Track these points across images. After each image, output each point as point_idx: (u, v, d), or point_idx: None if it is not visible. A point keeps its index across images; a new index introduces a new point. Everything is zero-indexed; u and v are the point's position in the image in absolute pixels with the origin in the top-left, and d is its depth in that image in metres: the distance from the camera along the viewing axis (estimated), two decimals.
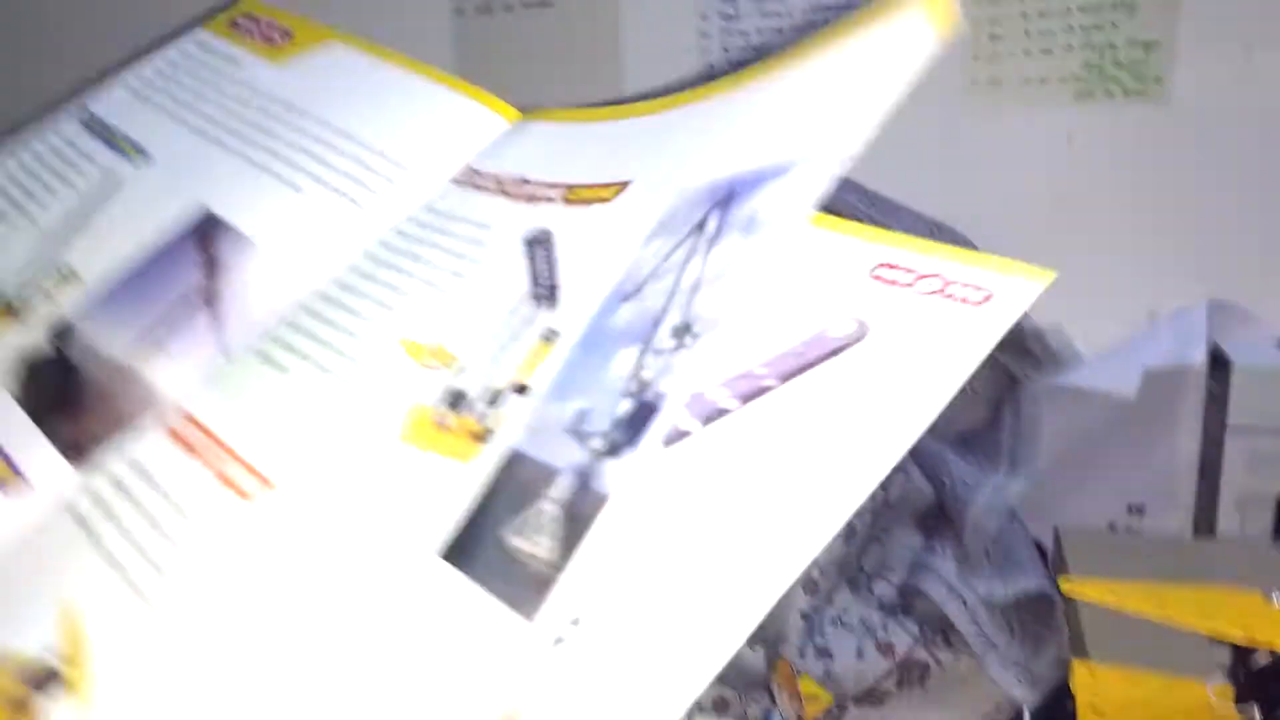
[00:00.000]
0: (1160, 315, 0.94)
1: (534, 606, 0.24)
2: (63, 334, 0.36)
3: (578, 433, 0.26)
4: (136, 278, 0.37)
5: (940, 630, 0.84)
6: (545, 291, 0.33)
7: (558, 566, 0.24)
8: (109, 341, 0.35)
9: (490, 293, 0.34)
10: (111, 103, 0.46)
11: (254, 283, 0.36)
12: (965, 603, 0.89)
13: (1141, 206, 0.88)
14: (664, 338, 0.27)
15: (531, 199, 0.38)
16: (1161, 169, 0.86)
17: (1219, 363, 0.91)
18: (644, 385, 0.26)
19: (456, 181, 0.40)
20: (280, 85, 0.44)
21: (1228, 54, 0.79)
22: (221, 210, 0.38)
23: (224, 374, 0.33)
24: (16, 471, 0.32)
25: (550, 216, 0.36)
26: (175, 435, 0.33)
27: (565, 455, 0.25)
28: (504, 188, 0.38)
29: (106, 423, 0.33)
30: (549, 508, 0.25)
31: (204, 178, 0.40)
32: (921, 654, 0.83)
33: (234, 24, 0.47)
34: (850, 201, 1.21)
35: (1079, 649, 0.67)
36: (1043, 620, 0.95)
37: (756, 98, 0.35)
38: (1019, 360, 1.17)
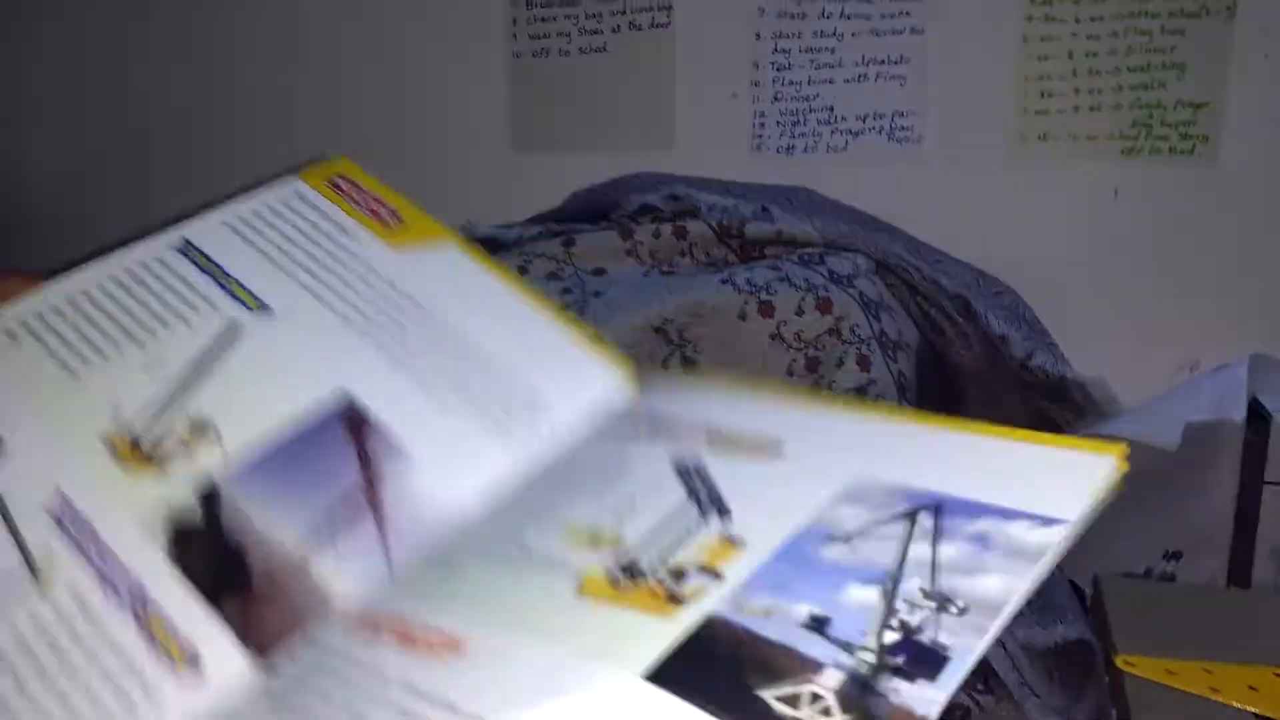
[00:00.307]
0: (1202, 367, 0.96)
1: None
2: (210, 498, 0.38)
3: (825, 635, 0.30)
4: (282, 453, 0.39)
5: (981, 675, 0.86)
6: (712, 504, 0.37)
7: None
8: (262, 518, 0.37)
9: (648, 500, 0.37)
10: (211, 236, 0.46)
11: (415, 501, 0.38)
12: (1005, 648, 0.92)
13: (1184, 261, 0.90)
14: (915, 594, 0.31)
15: (670, 436, 0.40)
16: (1205, 225, 0.87)
17: (1259, 416, 0.93)
18: (910, 629, 0.30)
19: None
20: (403, 278, 0.45)
21: (1274, 115, 0.80)
22: (367, 402, 0.41)
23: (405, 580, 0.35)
24: (192, 658, 0.33)
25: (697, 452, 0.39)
26: (372, 628, 0.35)
27: (817, 650, 0.30)
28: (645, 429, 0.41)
29: (282, 616, 0.35)
30: (823, 693, 0.29)
31: (339, 357, 0.42)
32: (963, 699, 0.86)
33: (334, 185, 0.48)
34: (897, 251, 1.20)
35: (1124, 716, 0.70)
36: (1082, 667, 0.97)
37: (963, 439, 0.37)
38: (1061, 408, 1.18)
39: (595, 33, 1.05)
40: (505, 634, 0.33)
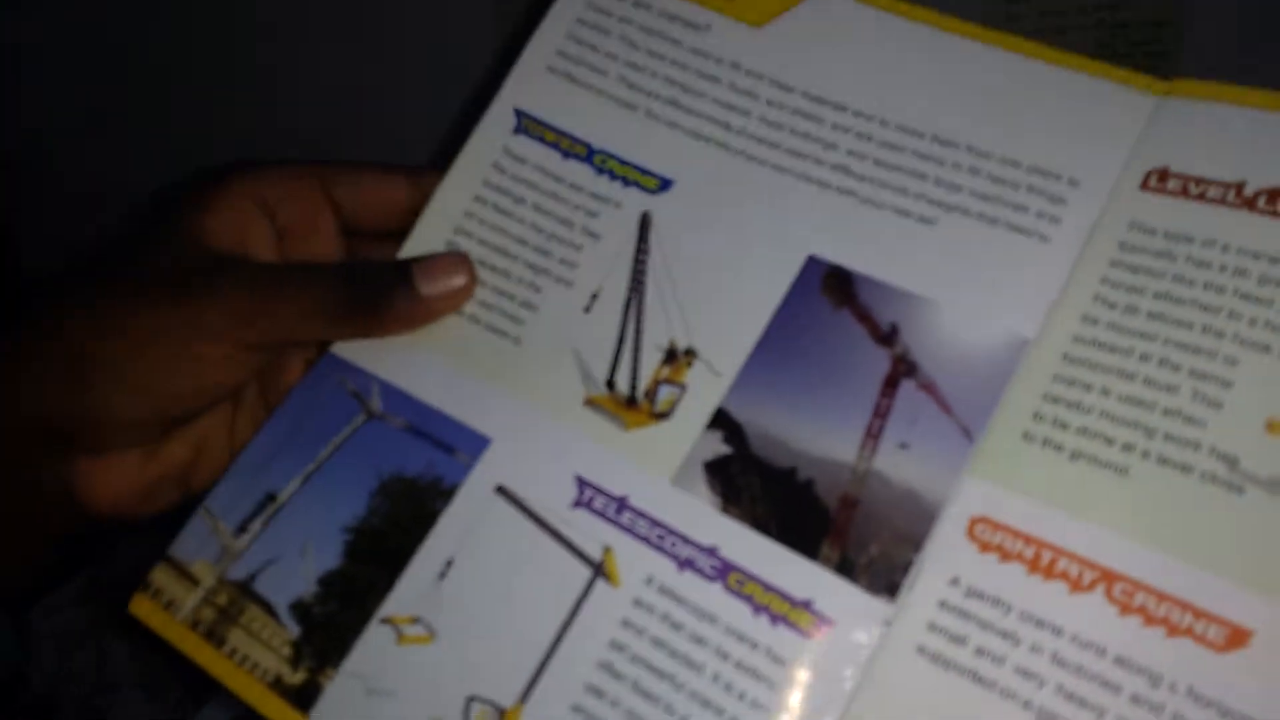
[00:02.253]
0: None
1: None
2: (731, 429, 0.32)
3: None
4: (770, 353, 0.32)
5: None
6: None
7: None
8: (795, 434, 0.31)
9: None
10: (540, 92, 0.37)
11: (960, 347, 0.30)
12: None
13: None
14: None
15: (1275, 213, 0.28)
16: None
17: None
18: None
19: (1151, 190, 0.30)
20: (793, 66, 0.35)
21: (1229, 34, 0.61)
22: (837, 258, 0.32)
23: (1014, 469, 0.28)
24: (814, 610, 0.27)
25: None
26: (996, 549, 0.29)
27: None
28: (1252, 202, 0.28)
29: (880, 538, 0.29)
30: None
31: (779, 214, 0.33)
32: None
33: None
34: None
35: None
36: None
37: None
38: None
39: None
40: None
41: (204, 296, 0.32)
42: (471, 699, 0.28)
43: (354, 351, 0.35)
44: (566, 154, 0.37)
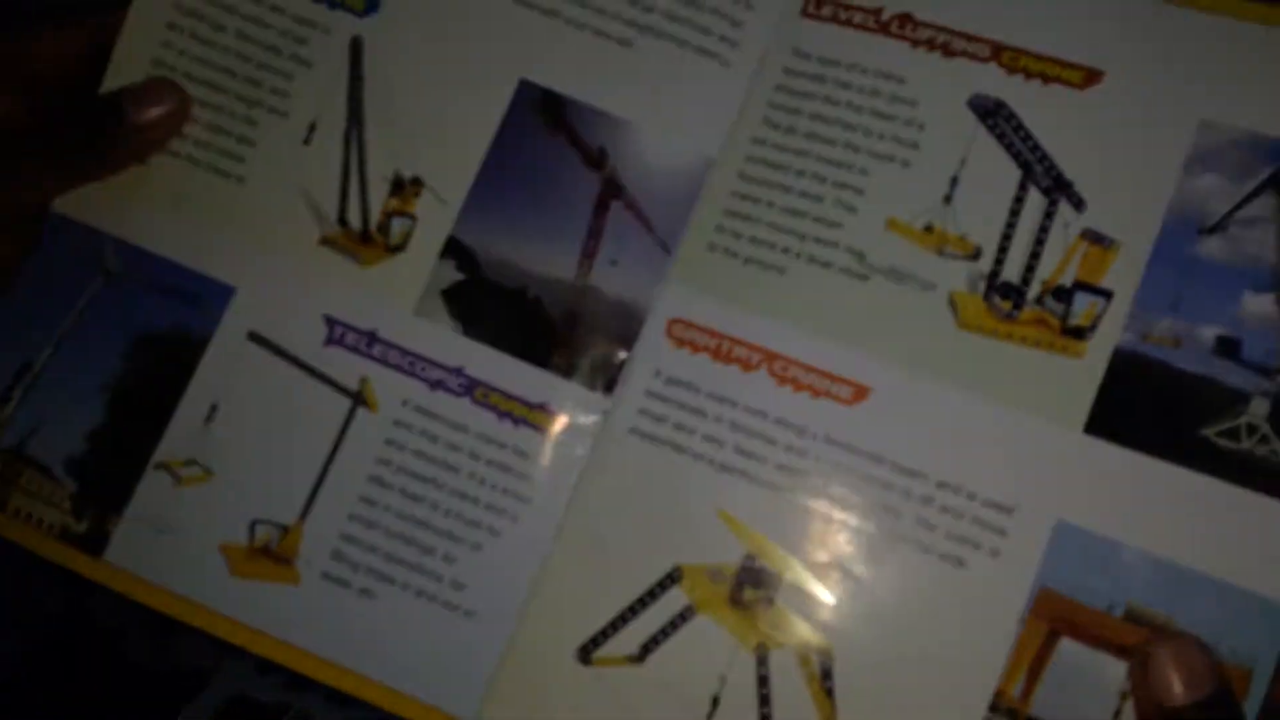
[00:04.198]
0: None
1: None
2: (462, 255, 0.35)
3: (1239, 361, 0.29)
4: (492, 180, 0.34)
5: None
6: (1053, 183, 0.30)
7: None
8: (522, 255, 0.34)
9: (968, 170, 0.31)
10: None
11: (658, 167, 0.33)
12: None
13: None
14: None
15: (947, 52, 0.33)
16: None
17: None
18: None
19: (809, 16, 0.34)
20: None
21: None
22: (547, 82, 0.34)
23: (701, 275, 0.32)
24: (548, 410, 0.32)
25: (985, 81, 0.32)
26: (688, 344, 0.34)
27: (1236, 378, 0.29)
28: (886, 26, 0.33)
29: (598, 344, 0.33)
30: (1258, 424, 0.28)
31: (475, 34, 0.35)
32: None
33: None
34: None
35: None
36: None
37: None
38: None
39: None
40: (895, 369, 0.31)
41: None
42: (255, 522, 0.32)
43: (79, 209, 0.34)
44: None
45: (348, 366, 0.33)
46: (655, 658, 0.31)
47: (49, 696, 0.34)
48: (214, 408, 0.33)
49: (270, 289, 0.34)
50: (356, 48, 0.36)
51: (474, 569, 0.32)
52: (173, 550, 0.32)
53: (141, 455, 0.33)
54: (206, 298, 0.33)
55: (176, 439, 0.33)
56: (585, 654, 0.31)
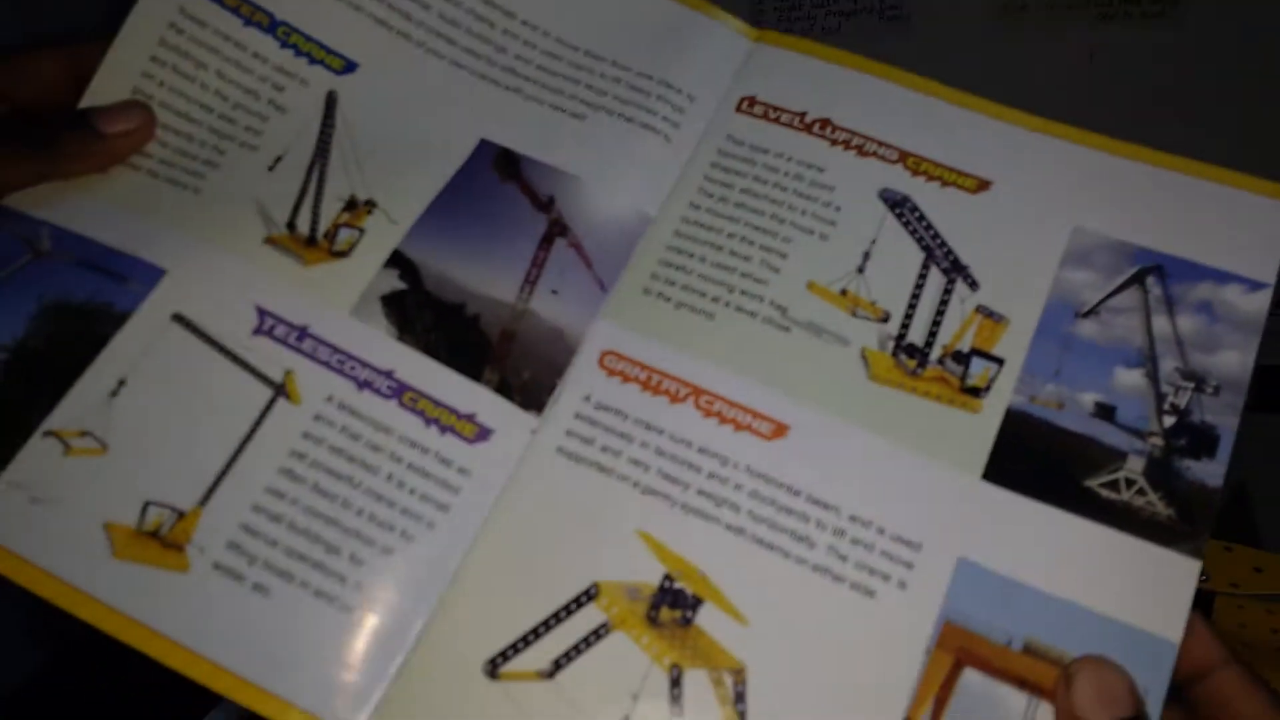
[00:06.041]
0: None
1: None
2: (406, 267, 0.34)
3: (1116, 423, 0.33)
4: (445, 208, 0.35)
5: None
6: (951, 266, 0.35)
7: (1173, 519, 0.31)
8: (466, 274, 0.35)
9: (878, 247, 0.35)
10: None
11: (601, 217, 0.36)
12: None
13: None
14: (1174, 375, 0.33)
15: (861, 152, 0.38)
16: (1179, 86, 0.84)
17: None
18: (1181, 411, 0.33)
19: (742, 112, 0.38)
20: None
21: None
22: (506, 141, 0.37)
23: (635, 314, 0.34)
24: (476, 421, 0.32)
25: (893, 178, 0.37)
26: (619, 374, 0.34)
27: (1113, 438, 0.32)
28: (810, 127, 0.38)
29: (532, 365, 0.34)
30: (1135, 478, 0.32)
31: (444, 99, 0.37)
32: None
33: None
34: None
35: None
36: None
37: (1202, 190, 0.36)
38: None
39: None
40: (812, 411, 0.33)
41: None
42: (148, 503, 0.30)
43: (27, 203, 0.34)
44: (248, 21, 0.38)
45: (273, 357, 0.32)
46: (567, 674, 0.29)
47: (67, 711, 0.29)
48: (121, 382, 0.31)
49: (203, 275, 0.33)
50: (331, 101, 0.37)
51: (381, 573, 0.30)
52: (48, 522, 0.29)
53: (32, 420, 0.30)
54: (134, 278, 0.32)
55: (73, 409, 0.30)
56: (493, 667, 0.29)
